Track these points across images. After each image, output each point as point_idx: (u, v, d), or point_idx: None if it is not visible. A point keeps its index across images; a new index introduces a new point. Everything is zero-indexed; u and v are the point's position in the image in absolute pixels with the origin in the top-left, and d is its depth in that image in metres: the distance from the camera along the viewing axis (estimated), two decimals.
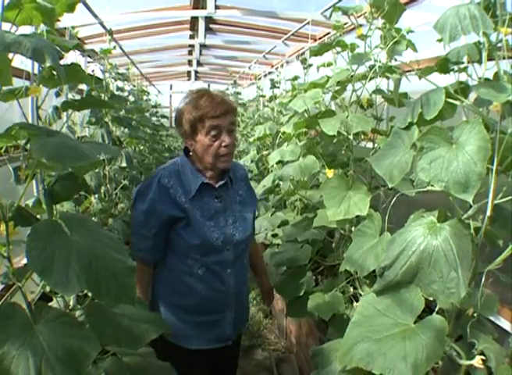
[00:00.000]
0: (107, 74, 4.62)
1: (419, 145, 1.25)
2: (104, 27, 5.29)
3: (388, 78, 2.40)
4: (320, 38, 6.36)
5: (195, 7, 6.20)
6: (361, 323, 1.37)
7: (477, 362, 1.25)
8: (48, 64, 1.03)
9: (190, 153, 2.34)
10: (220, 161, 2.23)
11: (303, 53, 7.11)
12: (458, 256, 1.19)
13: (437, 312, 1.39)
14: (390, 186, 1.36)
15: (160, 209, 2.18)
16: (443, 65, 1.56)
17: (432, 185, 1.21)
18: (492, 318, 2.23)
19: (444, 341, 1.20)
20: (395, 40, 2.22)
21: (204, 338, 2.32)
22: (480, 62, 1.44)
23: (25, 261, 1.01)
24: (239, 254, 2.36)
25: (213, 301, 2.30)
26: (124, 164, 4.48)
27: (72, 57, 4.65)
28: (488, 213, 1.25)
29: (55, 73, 1.39)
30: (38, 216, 1.41)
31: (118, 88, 5.47)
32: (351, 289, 2.72)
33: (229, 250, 2.29)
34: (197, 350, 2.30)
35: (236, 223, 2.35)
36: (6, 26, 1.20)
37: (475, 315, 1.42)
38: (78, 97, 4.24)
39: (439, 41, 1.69)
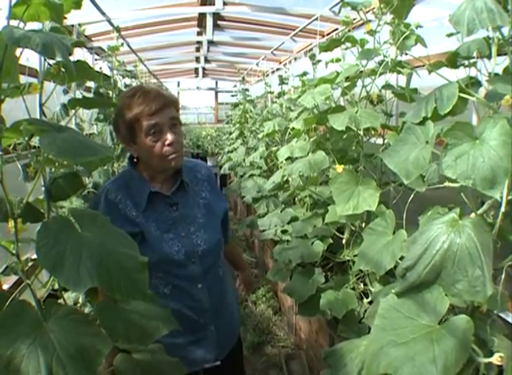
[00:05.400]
0: (115, 71, 4.61)
1: (444, 141, 1.24)
2: (111, 24, 5.31)
3: (399, 73, 2.39)
4: (328, 34, 6.34)
5: (203, 3, 6.20)
6: (384, 326, 1.33)
7: (496, 359, 1.24)
8: (57, 59, 1.03)
9: (135, 160, 2.14)
10: (168, 161, 2.02)
11: (311, 49, 7.09)
12: (483, 253, 1.17)
13: (448, 310, 1.38)
14: (406, 183, 1.35)
15: None
16: (452, 59, 1.56)
17: (455, 182, 1.20)
18: (502, 314, 2.23)
19: (470, 340, 1.18)
20: (404, 35, 2.21)
21: (188, 360, 2.01)
22: (489, 56, 1.44)
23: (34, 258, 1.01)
24: (209, 266, 2.14)
25: (187, 321, 2.08)
26: None
27: (79, 54, 4.65)
28: (503, 209, 1.24)
29: (63, 69, 1.39)
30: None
31: (126, 85, 5.46)
32: (361, 286, 2.72)
33: (195, 263, 2.08)
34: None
35: (200, 230, 2.13)
36: (13, 22, 1.20)
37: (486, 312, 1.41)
38: (86, 94, 4.26)
39: (449, 35, 1.68)
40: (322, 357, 1.80)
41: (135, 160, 2.14)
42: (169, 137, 1.98)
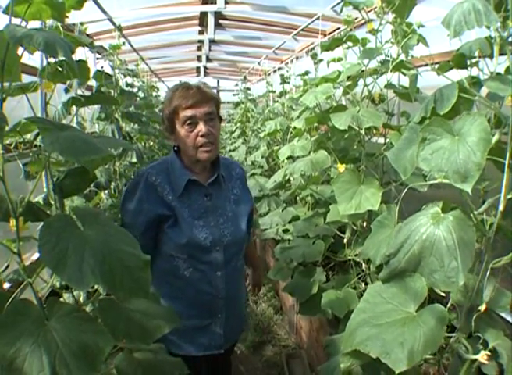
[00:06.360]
0: (116, 70, 4.61)
1: (421, 136, 1.26)
2: (113, 23, 5.30)
3: (404, 74, 2.38)
4: (330, 33, 6.35)
5: (204, 2, 6.20)
6: (366, 309, 1.41)
7: (482, 357, 1.25)
8: (60, 58, 1.03)
9: (175, 148, 2.31)
10: (200, 151, 2.16)
11: (313, 48, 7.09)
12: (459, 246, 1.21)
13: (449, 309, 1.39)
14: (403, 178, 1.36)
15: (148, 208, 2.13)
16: (459, 60, 1.56)
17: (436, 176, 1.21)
18: (503, 314, 2.22)
19: (444, 329, 1.22)
20: (408, 37, 2.21)
21: (194, 344, 2.23)
22: (491, 56, 1.44)
23: (34, 257, 1.00)
24: (230, 256, 2.26)
25: (201, 305, 2.22)
26: (134, 160, 4.48)
27: (80, 53, 4.64)
28: (501, 208, 1.24)
29: (60, 68, 1.39)
30: (48, 212, 1.41)
31: (127, 84, 5.46)
32: (363, 285, 2.72)
33: (219, 251, 2.20)
34: (186, 356, 2.06)
35: (228, 223, 2.26)
36: (15, 21, 1.19)
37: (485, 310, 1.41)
38: (88, 93, 4.25)
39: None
40: (323, 346, 1.82)
41: (175, 149, 2.31)
42: (203, 128, 2.13)
